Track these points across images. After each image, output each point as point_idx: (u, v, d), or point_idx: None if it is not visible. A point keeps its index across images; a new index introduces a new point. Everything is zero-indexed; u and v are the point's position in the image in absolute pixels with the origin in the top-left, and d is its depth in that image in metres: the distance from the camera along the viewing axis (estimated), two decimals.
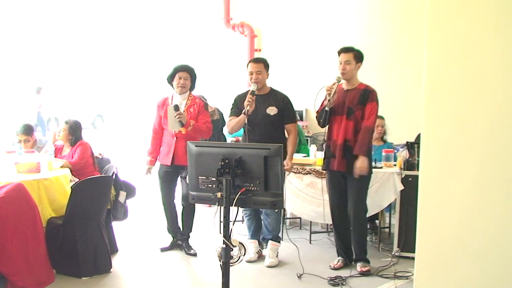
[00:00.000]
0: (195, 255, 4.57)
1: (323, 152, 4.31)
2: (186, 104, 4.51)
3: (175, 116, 4.28)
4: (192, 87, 4.61)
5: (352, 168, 4.01)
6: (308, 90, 5.62)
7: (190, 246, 4.65)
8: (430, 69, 2.96)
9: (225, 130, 6.52)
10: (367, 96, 4.02)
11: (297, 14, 7.19)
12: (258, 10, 7.58)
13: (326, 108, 4.04)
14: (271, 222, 4.41)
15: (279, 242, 4.49)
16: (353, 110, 4.03)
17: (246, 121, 4.10)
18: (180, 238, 4.69)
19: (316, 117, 4.22)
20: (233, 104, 4.37)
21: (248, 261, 4.37)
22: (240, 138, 6.78)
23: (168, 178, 4.61)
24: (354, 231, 4.17)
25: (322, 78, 6.55)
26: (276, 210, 4.34)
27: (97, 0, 6.73)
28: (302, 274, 4.07)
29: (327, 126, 4.18)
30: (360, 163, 3.94)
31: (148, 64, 7.15)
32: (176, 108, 4.34)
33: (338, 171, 4.12)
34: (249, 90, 4.19)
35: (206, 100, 4.74)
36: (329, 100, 3.99)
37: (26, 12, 6.90)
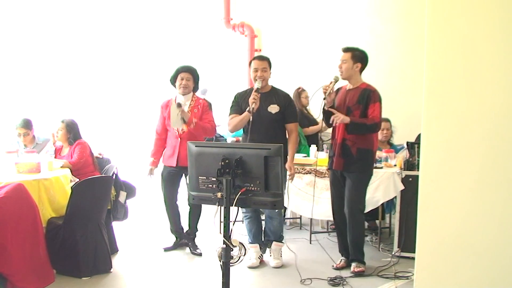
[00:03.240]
0: (200, 254, 4.60)
1: (328, 151, 4.30)
2: (190, 104, 4.53)
3: (177, 114, 4.28)
4: (195, 88, 4.62)
5: (350, 168, 4.01)
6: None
7: (196, 246, 4.68)
8: (430, 69, 2.96)
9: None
10: (368, 96, 3.97)
11: (297, 14, 7.19)
12: (258, 10, 7.58)
13: (325, 108, 4.03)
14: (275, 225, 4.35)
15: (282, 242, 4.46)
16: (351, 109, 4.01)
17: (250, 119, 4.01)
18: (186, 238, 4.71)
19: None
20: (233, 102, 4.29)
21: (250, 267, 4.30)
22: (240, 138, 6.80)
23: (171, 179, 4.60)
24: (349, 231, 4.14)
25: (322, 78, 6.55)
26: (278, 212, 4.33)
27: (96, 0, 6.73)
28: (302, 277, 4.07)
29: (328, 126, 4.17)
30: (342, 117, 3.88)
31: (148, 65, 7.14)
32: (179, 105, 4.34)
33: (337, 171, 4.12)
34: (251, 88, 4.17)
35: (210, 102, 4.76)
36: (324, 99, 3.97)
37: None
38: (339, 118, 3.89)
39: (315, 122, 5.49)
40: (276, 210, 4.22)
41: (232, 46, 7.70)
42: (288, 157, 4.14)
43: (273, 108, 4.15)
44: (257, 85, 4.09)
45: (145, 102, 6.99)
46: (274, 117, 4.15)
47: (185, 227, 4.79)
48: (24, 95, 6.23)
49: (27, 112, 5.41)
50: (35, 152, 4.54)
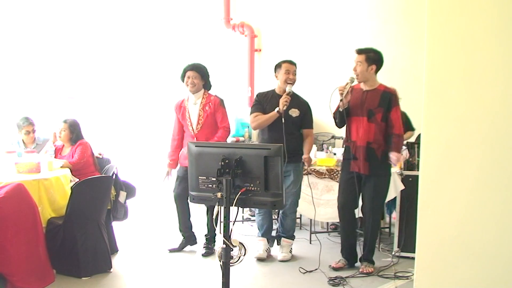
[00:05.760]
0: (209, 254, 4.61)
1: (342, 154, 4.27)
2: (201, 102, 4.54)
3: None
4: (206, 86, 4.63)
5: (376, 171, 4.00)
6: (308, 90, 5.62)
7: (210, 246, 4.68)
8: (430, 69, 2.96)
9: None
10: (389, 99, 3.98)
11: (297, 14, 7.18)
12: (258, 10, 7.57)
13: (340, 109, 4.02)
14: (289, 222, 4.50)
15: (293, 239, 4.57)
16: (373, 112, 3.99)
17: (283, 120, 4.22)
18: (209, 238, 4.69)
19: (333, 117, 4.20)
20: (255, 101, 4.51)
21: (258, 258, 4.43)
22: (241, 139, 6.81)
23: (187, 178, 4.54)
24: (366, 230, 4.13)
25: (322, 78, 6.56)
26: (292, 211, 4.46)
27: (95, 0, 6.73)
28: (303, 277, 4.07)
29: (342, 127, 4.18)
30: (397, 157, 3.95)
31: (148, 65, 7.14)
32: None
33: (353, 172, 4.06)
34: (272, 90, 4.45)
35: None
36: (341, 100, 3.97)
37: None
38: (397, 159, 3.97)
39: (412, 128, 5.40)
40: (290, 209, 4.42)
41: (232, 46, 7.70)
42: (304, 150, 4.37)
43: (294, 112, 4.36)
44: (288, 89, 4.31)
45: (144, 102, 6.98)
46: (293, 120, 4.36)
47: (194, 226, 4.77)
48: (24, 95, 6.23)
49: (27, 112, 5.40)
50: (35, 152, 4.54)
